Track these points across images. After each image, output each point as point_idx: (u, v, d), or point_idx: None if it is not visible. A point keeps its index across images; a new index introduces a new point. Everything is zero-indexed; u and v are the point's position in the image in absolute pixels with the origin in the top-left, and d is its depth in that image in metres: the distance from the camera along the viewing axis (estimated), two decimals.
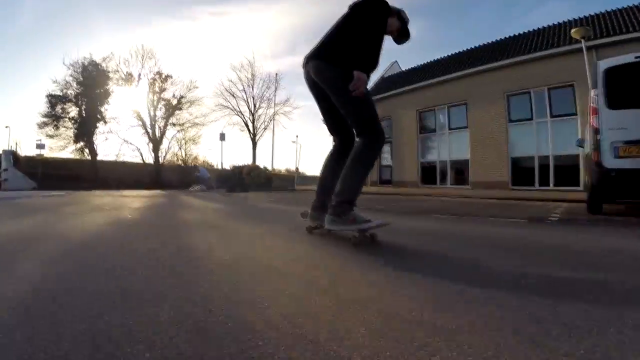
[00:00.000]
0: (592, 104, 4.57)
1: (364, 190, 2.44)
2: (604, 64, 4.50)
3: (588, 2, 51.79)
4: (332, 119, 2.47)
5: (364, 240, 2.06)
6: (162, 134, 19.56)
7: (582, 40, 8.34)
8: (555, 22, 12.88)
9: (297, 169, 25.17)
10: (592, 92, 4.60)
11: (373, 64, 2.31)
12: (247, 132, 21.69)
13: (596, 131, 4.42)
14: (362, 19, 2.23)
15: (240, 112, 22.22)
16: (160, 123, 19.54)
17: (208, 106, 24.15)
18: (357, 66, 2.15)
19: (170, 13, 55.39)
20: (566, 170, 11.05)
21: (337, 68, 2.22)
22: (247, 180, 16.91)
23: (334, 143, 2.54)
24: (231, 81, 23.37)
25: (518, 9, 57.60)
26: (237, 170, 17.86)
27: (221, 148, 21.78)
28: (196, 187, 16.23)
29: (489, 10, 60.83)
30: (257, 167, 17.77)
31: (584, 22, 11.37)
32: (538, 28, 13.20)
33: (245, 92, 22.67)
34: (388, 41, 2.50)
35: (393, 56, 70.65)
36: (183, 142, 19.84)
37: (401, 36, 2.50)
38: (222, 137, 18.91)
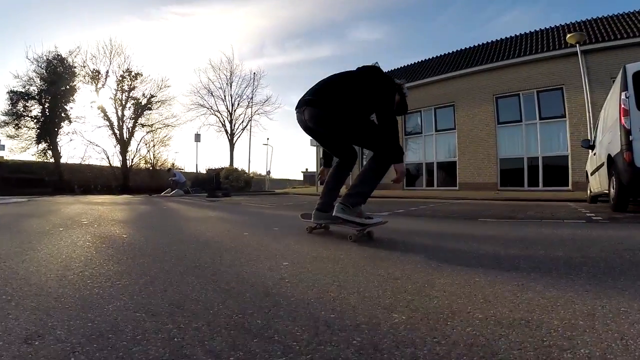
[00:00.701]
0: (623, 106, 4.57)
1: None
2: (631, 68, 4.58)
3: (551, 11, 55.03)
4: (332, 150, 2.85)
5: (362, 236, 2.37)
6: (131, 135, 18.42)
7: (577, 45, 8.54)
8: (544, 27, 13.39)
9: (268, 172, 24.63)
10: (623, 95, 4.61)
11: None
12: (225, 132, 20.88)
13: (628, 132, 4.42)
14: (383, 97, 2.48)
15: (218, 111, 21.40)
16: (128, 124, 18.40)
17: (183, 104, 22.92)
18: (352, 111, 2.49)
19: (138, 13, 53.04)
20: (555, 171, 11.40)
21: (337, 114, 2.48)
22: (224, 183, 16.25)
23: (338, 160, 2.91)
24: (209, 78, 22.46)
25: (483, 15, 60.31)
26: (214, 174, 17.12)
27: (196, 150, 20.75)
28: (171, 191, 15.30)
29: (453, 17, 63.19)
30: (236, 169, 17.14)
31: (571, 28, 11.86)
32: (526, 32, 13.64)
33: (224, 90, 21.89)
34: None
35: (359, 60, 71.78)
36: (152, 144, 18.73)
37: (399, 108, 2.71)
38: (198, 138, 18.04)
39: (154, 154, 18.84)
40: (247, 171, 17.88)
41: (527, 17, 57.29)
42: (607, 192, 5.47)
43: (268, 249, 2.01)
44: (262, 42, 63.04)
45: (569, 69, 10.79)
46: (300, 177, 40.18)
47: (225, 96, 21.76)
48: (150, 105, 18.63)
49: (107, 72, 18.47)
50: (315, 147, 45.34)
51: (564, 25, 12.68)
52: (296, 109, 2.67)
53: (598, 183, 6.23)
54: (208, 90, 21.66)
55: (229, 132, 21.03)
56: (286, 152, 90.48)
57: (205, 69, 29.60)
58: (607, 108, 5.78)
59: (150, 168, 18.52)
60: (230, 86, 21.84)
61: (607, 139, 5.33)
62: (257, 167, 44.99)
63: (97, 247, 2.06)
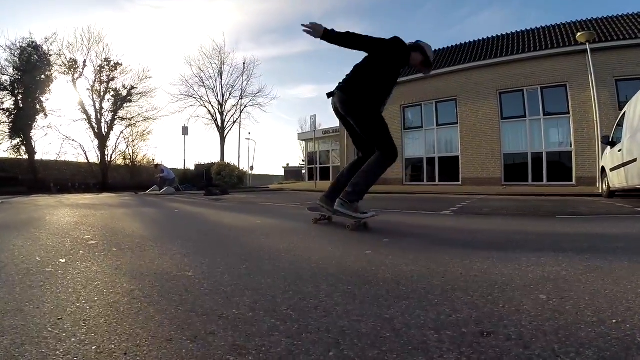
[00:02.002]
0: None
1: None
2: None
3: (525, 13, 57.54)
4: (357, 140, 3.25)
5: (359, 227, 2.94)
6: (110, 129, 17.50)
7: (587, 44, 9.07)
8: (548, 24, 14.20)
9: (251, 167, 24.31)
10: None
11: (386, 93, 3.10)
12: (215, 125, 20.30)
13: None
14: (377, 58, 2.99)
15: (210, 102, 20.75)
16: (107, 117, 17.48)
17: (171, 94, 21.94)
18: (371, 96, 2.96)
19: (112, 6, 50.34)
20: (559, 167, 12.11)
21: (356, 99, 2.97)
22: (216, 180, 15.88)
23: (359, 155, 3.32)
24: (199, 67, 21.69)
25: (459, 13, 62.13)
26: (204, 169, 16.68)
27: (184, 144, 20.08)
28: (157, 189, 14.74)
29: (430, 15, 64.56)
30: (228, 165, 16.76)
31: (578, 27, 12.69)
32: (529, 29, 14.44)
33: (214, 80, 21.25)
34: None
35: (335, 56, 71.85)
36: (131, 138, 17.94)
37: (425, 66, 3.19)
38: (185, 131, 17.44)
39: (133, 150, 18.06)
40: (238, 166, 17.47)
41: (499, 16, 59.52)
42: (639, 187, 5.89)
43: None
44: (237, 36, 61.92)
45: (572, 67, 11.58)
46: (282, 173, 39.82)
47: (215, 86, 21.15)
48: (130, 97, 17.83)
49: (85, 61, 17.50)
50: (299, 142, 44.29)
51: (568, 23, 13.54)
52: (330, 95, 3.16)
53: (624, 178, 6.70)
54: (200, 79, 20.98)
55: (220, 124, 20.48)
56: (266, 147, 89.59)
57: (195, 58, 28.61)
58: (638, 108, 6.18)
59: (130, 164, 17.71)
60: (221, 76, 21.25)
61: None
62: (238, 163, 44.14)
63: (171, 320, 1.02)
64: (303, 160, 44.82)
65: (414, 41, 3.20)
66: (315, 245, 2.31)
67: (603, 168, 8.26)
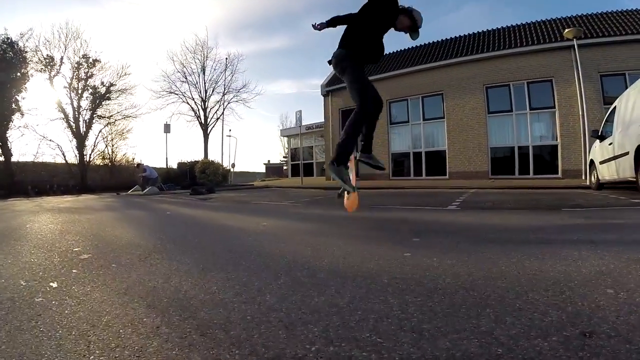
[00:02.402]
0: None
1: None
2: None
3: (501, 10, 58.36)
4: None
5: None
6: (88, 128, 16.77)
7: (574, 40, 9.17)
8: (535, 20, 14.39)
9: (233, 164, 23.86)
10: None
11: (370, 49, 3.25)
12: (198, 122, 19.69)
13: None
14: (361, 16, 3.18)
15: (193, 98, 20.05)
16: (85, 115, 16.75)
17: (153, 91, 21.08)
18: (354, 47, 3.18)
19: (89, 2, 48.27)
20: (545, 160, 12.28)
21: (342, 50, 3.24)
22: (201, 178, 15.44)
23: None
24: (182, 62, 20.92)
25: (439, 9, 62.58)
26: (187, 168, 16.19)
27: (166, 142, 19.39)
28: (140, 189, 14.21)
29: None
30: (213, 162, 16.30)
31: (563, 23, 12.93)
32: (515, 25, 14.58)
33: (198, 76, 20.56)
34: None
35: (314, 50, 71.42)
36: (110, 137, 17.27)
37: (412, 31, 3.24)
38: (167, 128, 16.84)
39: (112, 149, 17.38)
40: (222, 164, 17.03)
41: (477, 11, 60.31)
42: (632, 179, 5.97)
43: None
44: (216, 31, 60.77)
45: (558, 62, 11.77)
46: (262, 169, 39.34)
47: (197, 82, 20.49)
48: (109, 95, 17.12)
49: (62, 58, 16.73)
50: (281, 138, 43.91)
51: (554, 19, 13.78)
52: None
53: (614, 171, 6.79)
54: (182, 74, 20.26)
55: (203, 121, 19.88)
56: (245, 144, 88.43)
57: (178, 53, 27.66)
58: (630, 103, 6.21)
59: (109, 164, 17.04)
60: (204, 71, 20.61)
61: (636, 130, 5.80)
62: (222, 160, 43.30)
63: None
64: (284, 157, 44.52)
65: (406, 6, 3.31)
66: (345, 247, 2.13)
67: (592, 161, 8.36)
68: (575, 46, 9.41)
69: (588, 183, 9.10)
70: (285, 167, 39.97)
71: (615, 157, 6.73)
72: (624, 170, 6.36)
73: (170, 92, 19.98)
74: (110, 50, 36.89)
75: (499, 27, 14.86)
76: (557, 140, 12.13)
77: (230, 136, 21.30)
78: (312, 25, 3.35)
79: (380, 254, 1.93)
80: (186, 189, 14.12)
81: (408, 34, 3.29)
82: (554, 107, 12.09)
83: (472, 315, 1.05)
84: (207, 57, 21.01)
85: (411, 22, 3.21)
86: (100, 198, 10.16)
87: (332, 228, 3.05)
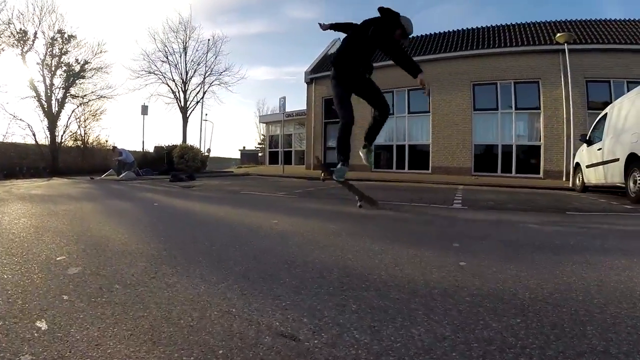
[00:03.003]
0: None
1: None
2: None
3: (479, 9, 58.88)
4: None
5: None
6: (60, 107, 15.60)
7: (565, 45, 9.29)
8: (525, 22, 14.47)
9: (208, 150, 23.12)
10: None
11: (355, 68, 3.95)
12: (177, 105, 18.72)
13: None
14: (348, 38, 4.03)
15: (173, 79, 18.97)
16: (58, 94, 15.55)
17: (131, 70, 19.70)
18: (340, 67, 3.94)
19: None
20: (527, 160, 12.58)
21: (332, 68, 4.07)
22: (179, 163, 14.78)
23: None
24: (163, 41, 19.69)
25: (416, 3, 62.37)
26: (165, 152, 15.46)
27: (143, 124, 18.30)
28: (114, 173, 13.45)
29: (387, 3, 63.74)
30: (192, 147, 15.63)
31: (548, 27, 13.12)
32: (506, 25, 14.60)
33: (180, 56, 19.45)
34: None
35: (292, 37, 70.07)
36: (83, 118, 16.22)
37: (403, 37, 3.80)
38: (145, 110, 15.95)
39: (85, 130, 16.35)
40: (200, 149, 16.36)
41: (457, 9, 60.63)
42: (621, 184, 6.16)
43: None
44: (195, 13, 58.17)
45: (546, 65, 11.97)
46: (237, 155, 38.51)
47: (178, 63, 19.43)
48: (83, 73, 15.97)
49: (36, 33, 15.37)
50: (259, 125, 43.05)
51: (543, 22, 13.96)
52: None
53: (602, 175, 6.99)
54: (164, 54, 19.13)
55: (183, 104, 18.93)
56: (220, 128, 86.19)
57: (159, 31, 25.94)
58: (623, 112, 6.43)
59: (82, 146, 16.04)
60: (185, 52, 19.56)
61: (628, 139, 5.99)
62: (200, 145, 41.82)
63: None
64: (260, 143, 43.69)
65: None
66: (388, 253, 1.98)
67: (577, 164, 8.56)
68: (566, 51, 9.52)
69: (571, 185, 9.34)
70: (261, 154, 39.42)
71: (604, 163, 6.89)
72: (612, 175, 6.53)
73: (150, 72, 18.89)
74: (86, 26, 34.52)
75: (488, 26, 14.91)
76: (540, 141, 12.38)
77: (206, 120, 20.39)
78: (319, 23, 4.22)
79: (433, 262, 1.83)
80: (164, 174, 13.47)
81: (401, 40, 3.83)
82: (539, 109, 12.29)
83: (578, 334, 1.05)
84: (189, 37, 19.95)
85: (402, 30, 3.65)
86: (74, 183, 9.49)
87: (353, 227, 2.89)
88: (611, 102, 11.47)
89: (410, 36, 3.76)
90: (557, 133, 11.82)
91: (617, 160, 6.28)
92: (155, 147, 16.32)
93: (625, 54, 11.41)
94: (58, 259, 1.84)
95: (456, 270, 1.70)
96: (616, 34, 12.22)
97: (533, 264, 1.83)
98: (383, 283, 1.50)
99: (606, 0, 50.24)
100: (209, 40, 19.71)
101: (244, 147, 42.72)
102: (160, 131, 37.85)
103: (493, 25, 14.76)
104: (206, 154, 16.91)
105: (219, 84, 20.28)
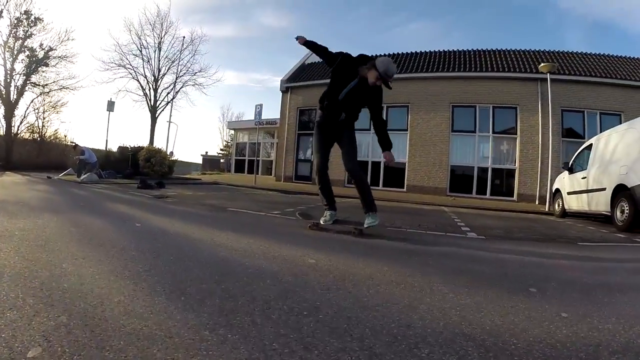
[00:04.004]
0: None
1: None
2: None
3: (451, 31, 61.75)
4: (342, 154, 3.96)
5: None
6: (19, 95, 14.13)
7: (548, 75, 9.68)
8: (508, 49, 15.02)
9: (171, 153, 21.94)
10: None
11: (332, 106, 3.68)
12: (146, 103, 17.42)
13: None
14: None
15: (145, 75, 17.68)
16: (18, 81, 14.06)
17: (102, 60, 18.06)
18: (323, 109, 3.79)
19: None
20: (502, 183, 12.87)
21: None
22: (145, 167, 13.68)
23: None
24: (138, 34, 18.35)
25: (390, 20, 64.34)
26: (130, 154, 14.27)
27: (108, 121, 16.67)
28: (73, 172, 12.20)
29: (363, 17, 65.34)
30: (159, 150, 14.58)
31: (527, 55, 13.75)
32: (488, 50, 15.13)
33: (153, 51, 18.19)
34: None
35: (263, 43, 69.65)
36: (42, 109, 14.76)
37: (384, 83, 3.48)
38: (111, 106, 14.67)
39: (43, 122, 14.88)
40: (168, 153, 15.29)
41: (428, 30, 63.24)
42: (606, 213, 6.32)
43: None
44: (165, 12, 56.03)
45: (524, 92, 12.41)
46: (198, 160, 37.20)
47: (150, 59, 18.19)
48: (47, 60, 14.58)
49: (1, 11, 13.92)
50: (227, 130, 42.02)
51: (522, 50, 14.62)
52: None
53: (586, 203, 7.19)
54: (138, 46, 17.83)
55: (152, 103, 17.65)
56: (182, 132, 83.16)
57: (135, 22, 24.06)
58: (611, 144, 6.67)
59: (38, 139, 14.54)
60: (160, 48, 18.37)
61: (616, 170, 6.19)
62: (167, 148, 39.65)
63: None
64: (222, 149, 42.44)
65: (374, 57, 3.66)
66: (465, 302, 1.69)
67: (557, 190, 8.75)
68: (548, 80, 9.84)
69: (547, 209, 9.56)
70: (222, 161, 38.25)
71: (589, 191, 7.02)
72: (597, 203, 6.68)
73: (120, 66, 17.53)
74: (55, 9, 31.94)
75: (472, 49, 15.42)
76: (515, 164, 12.76)
77: (170, 122, 19.17)
78: (296, 37, 3.84)
79: (534, 316, 1.57)
80: (128, 178, 12.36)
81: (384, 84, 3.49)
82: (516, 134, 12.72)
83: None
84: (166, 32, 18.81)
85: (378, 73, 3.36)
86: (29, 182, 8.41)
87: (409, 268, 2.36)
88: (584, 132, 12.32)
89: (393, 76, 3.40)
90: (532, 158, 12.23)
91: (604, 189, 6.41)
92: (120, 147, 15.05)
93: (599, 86, 12.15)
94: (21, 349, 1.02)
95: (562, 325, 1.48)
96: (591, 67, 13.04)
97: (623, 310, 1.71)
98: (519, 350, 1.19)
99: (569, 32, 54.23)
100: (184, 37, 18.71)
101: (206, 153, 41.42)
102: (124, 130, 35.57)
103: (474, 49, 15.29)
104: (174, 158, 15.83)
105: (193, 85, 19.21)
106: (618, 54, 14.54)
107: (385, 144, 3.71)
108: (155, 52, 18.40)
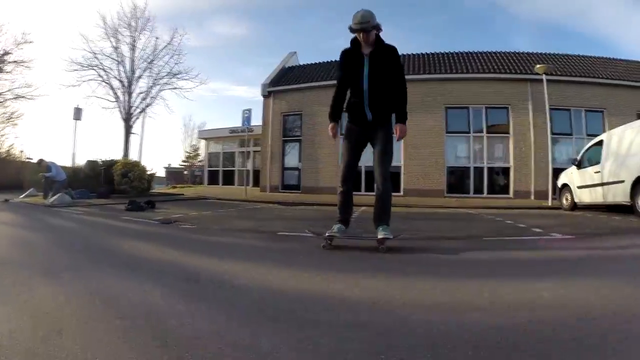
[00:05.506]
0: None
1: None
2: None
3: (411, 38, 64.62)
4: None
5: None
6: None
7: (544, 75, 10.78)
8: (499, 51, 16.14)
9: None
10: None
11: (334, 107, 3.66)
12: (119, 110, 16.01)
13: None
14: None
15: (119, 78, 16.10)
16: None
17: (70, 61, 16.30)
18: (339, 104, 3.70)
19: None
20: (498, 181, 13.90)
21: None
22: (122, 183, 12.81)
23: None
24: (107, 33, 16.80)
25: (338, 27, 66.03)
26: (102, 168, 13.29)
27: (75, 132, 15.04)
28: (35, 193, 11.14)
29: (318, 22, 66.46)
30: (137, 164, 13.73)
31: (519, 57, 15.15)
32: (480, 52, 16.14)
33: (129, 50, 16.78)
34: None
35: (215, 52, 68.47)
36: None
37: (360, 32, 3.30)
38: (78, 114, 13.51)
39: None
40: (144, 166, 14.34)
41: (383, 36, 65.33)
42: (626, 203, 7.13)
43: None
44: (110, 24, 52.82)
45: (515, 92, 13.58)
46: (162, 174, 35.65)
47: (122, 60, 16.82)
48: (1, 65, 13.20)
49: None
50: (183, 140, 40.39)
51: (512, 53, 15.92)
52: None
53: (600, 195, 8.16)
54: (114, 44, 16.42)
55: (126, 109, 16.26)
56: (141, 142, 78.23)
57: (107, 16, 21.51)
58: (625, 139, 7.55)
59: None
60: (134, 47, 17.06)
61: (635, 163, 7.03)
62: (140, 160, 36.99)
63: None
64: (184, 161, 41.16)
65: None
66: None
67: (564, 185, 9.55)
68: (544, 80, 10.77)
69: (550, 204, 10.37)
70: (186, 172, 37.04)
71: (604, 184, 7.80)
72: (614, 195, 7.52)
73: (90, 66, 16.02)
74: (10, 8, 28.36)
75: (461, 51, 16.44)
76: (510, 163, 13.85)
77: (133, 133, 17.90)
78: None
79: None
80: (104, 197, 11.46)
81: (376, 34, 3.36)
82: (509, 133, 13.84)
83: None
84: (143, 28, 17.46)
85: (351, 30, 3.29)
86: None
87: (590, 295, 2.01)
88: (571, 128, 13.56)
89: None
90: (524, 156, 13.36)
91: (622, 182, 7.22)
92: (89, 161, 13.94)
93: (582, 85, 13.65)
94: None
95: None
96: (573, 67, 14.59)
97: None
98: None
99: (515, 34, 58.79)
100: (156, 39, 17.56)
101: (170, 165, 39.90)
102: (93, 143, 32.23)
103: (465, 51, 16.34)
104: (153, 172, 14.96)
105: (173, 89, 17.94)
106: (566, 53, 16.47)
107: (402, 115, 3.52)
108: (131, 50, 17.03)
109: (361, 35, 3.25)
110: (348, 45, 3.45)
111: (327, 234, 3.42)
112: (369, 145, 3.61)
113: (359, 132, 3.56)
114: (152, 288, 2.08)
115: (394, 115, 3.54)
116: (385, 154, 3.49)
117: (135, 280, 2.29)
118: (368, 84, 3.35)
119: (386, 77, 3.40)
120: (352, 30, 3.25)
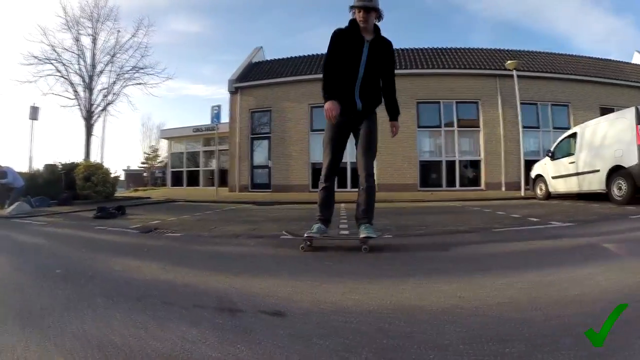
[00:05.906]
0: None
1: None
2: None
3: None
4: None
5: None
6: None
7: (514, 71, 11.28)
8: (469, 47, 16.62)
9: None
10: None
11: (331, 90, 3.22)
12: (79, 108, 14.61)
13: None
14: None
15: (80, 73, 14.66)
16: None
17: (28, 55, 14.43)
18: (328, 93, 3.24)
19: None
20: (470, 174, 14.40)
21: None
22: (85, 188, 11.89)
23: None
24: (67, 23, 15.17)
25: (301, 24, 65.95)
26: (63, 172, 12.25)
27: (31, 133, 13.47)
28: (5, 203, 10.07)
29: (275, 20, 66.01)
30: (101, 166, 12.78)
31: (487, 53, 15.70)
32: (449, 48, 16.58)
33: (90, 42, 15.30)
34: None
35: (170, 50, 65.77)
36: None
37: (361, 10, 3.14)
38: (35, 113, 12.24)
39: None
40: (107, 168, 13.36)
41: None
42: (601, 191, 7.67)
43: None
44: (71, 14, 48.76)
45: (485, 87, 14.17)
46: (122, 176, 33.84)
47: (85, 49, 15.35)
48: None
49: None
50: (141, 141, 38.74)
51: (481, 49, 16.49)
52: None
53: (575, 184, 8.68)
54: (74, 37, 14.88)
55: (87, 107, 14.87)
56: (99, 144, 72.88)
57: (67, 5, 19.10)
58: (599, 131, 8.06)
59: None
60: (95, 40, 15.59)
61: (610, 153, 7.53)
62: (102, 161, 34.19)
63: None
64: (142, 162, 39.31)
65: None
66: None
67: (538, 175, 10.09)
68: (515, 76, 11.31)
69: (523, 194, 10.94)
70: (145, 174, 35.50)
71: (579, 174, 8.34)
72: (590, 183, 8.07)
73: (47, 60, 14.47)
74: None
75: (434, 47, 16.80)
76: (480, 156, 14.42)
77: (93, 135, 16.67)
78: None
79: None
80: (66, 204, 10.60)
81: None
82: (479, 127, 14.41)
83: None
84: (105, 18, 16.01)
85: (355, 9, 3.15)
86: None
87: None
88: (538, 122, 14.36)
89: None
90: (495, 149, 13.94)
91: (597, 171, 7.78)
92: (48, 165, 12.79)
93: (549, 81, 14.51)
94: None
95: None
96: (539, 64, 15.43)
97: None
98: None
99: (474, 31, 61.53)
100: (118, 32, 16.26)
101: (129, 167, 37.88)
102: (50, 145, 29.33)
103: (437, 47, 16.71)
104: (117, 175, 14.02)
105: (137, 84, 16.70)
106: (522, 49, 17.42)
107: (395, 112, 3.56)
108: (93, 42, 15.58)
109: (361, 13, 3.06)
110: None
111: (305, 235, 3.27)
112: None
113: (344, 123, 3.33)
114: (194, 332, 1.44)
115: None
116: (371, 147, 3.37)
117: (157, 320, 1.59)
118: (364, 72, 3.19)
119: (380, 69, 3.30)
120: (353, 7, 3.11)
